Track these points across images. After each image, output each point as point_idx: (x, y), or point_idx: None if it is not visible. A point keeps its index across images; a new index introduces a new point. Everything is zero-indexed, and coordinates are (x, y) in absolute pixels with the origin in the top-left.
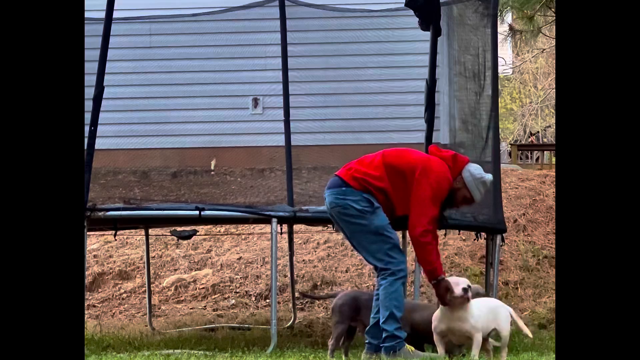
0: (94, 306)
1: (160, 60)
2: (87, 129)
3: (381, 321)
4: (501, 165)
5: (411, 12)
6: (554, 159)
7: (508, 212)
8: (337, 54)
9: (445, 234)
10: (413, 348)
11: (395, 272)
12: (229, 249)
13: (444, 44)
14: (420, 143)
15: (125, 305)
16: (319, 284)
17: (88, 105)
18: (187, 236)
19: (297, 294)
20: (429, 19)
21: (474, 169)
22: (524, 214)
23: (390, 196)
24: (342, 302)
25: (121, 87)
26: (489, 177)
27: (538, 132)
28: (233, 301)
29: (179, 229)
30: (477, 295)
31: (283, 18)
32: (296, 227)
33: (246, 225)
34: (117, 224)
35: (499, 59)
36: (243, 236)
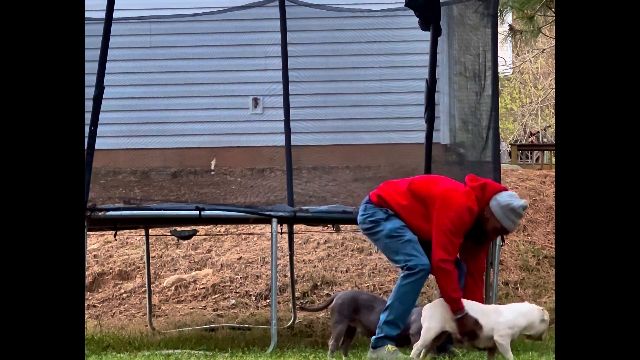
0: (94, 306)
1: (160, 60)
2: (87, 129)
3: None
4: (501, 165)
5: (411, 12)
6: (554, 159)
7: None
8: (337, 54)
9: None
10: (395, 349)
11: (411, 267)
12: (229, 249)
13: (444, 44)
14: (420, 143)
15: (125, 305)
16: (319, 284)
17: (88, 105)
18: (187, 236)
19: (299, 304)
20: (429, 19)
21: (501, 197)
22: None
23: (407, 219)
24: (341, 302)
25: (121, 87)
26: (519, 203)
27: (538, 132)
28: (233, 301)
29: (179, 229)
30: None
31: (283, 18)
32: (296, 227)
33: (246, 225)
34: (117, 224)
35: (499, 59)
36: (243, 236)
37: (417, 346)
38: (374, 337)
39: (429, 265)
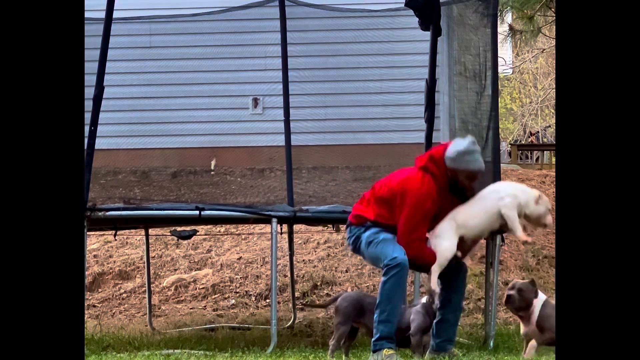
0: (94, 306)
1: (160, 60)
2: (87, 129)
3: None
4: (501, 165)
5: (411, 12)
6: (554, 159)
7: None
8: (337, 54)
9: None
10: (392, 352)
11: (389, 264)
12: (229, 249)
13: (444, 44)
14: (420, 143)
15: (125, 305)
16: (319, 284)
17: (88, 105)
18: (187, 236)
19: (300, 303)
20: (429, 19)
21: (448, 153)
22: None
23: (384, 224)
24: (347, 304)
25: (121, 87)
26: (464, 142)
27: (538, 132)
28: (233, 301)
29: (179, 229)
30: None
31: (283, 18)
32: (296, 227)
33: (246, 225)
34: (117, 224)
35: (499, 59)
36: (243, 236)
37: (434, 270)
38: (372, 340)
39: (406, 259)
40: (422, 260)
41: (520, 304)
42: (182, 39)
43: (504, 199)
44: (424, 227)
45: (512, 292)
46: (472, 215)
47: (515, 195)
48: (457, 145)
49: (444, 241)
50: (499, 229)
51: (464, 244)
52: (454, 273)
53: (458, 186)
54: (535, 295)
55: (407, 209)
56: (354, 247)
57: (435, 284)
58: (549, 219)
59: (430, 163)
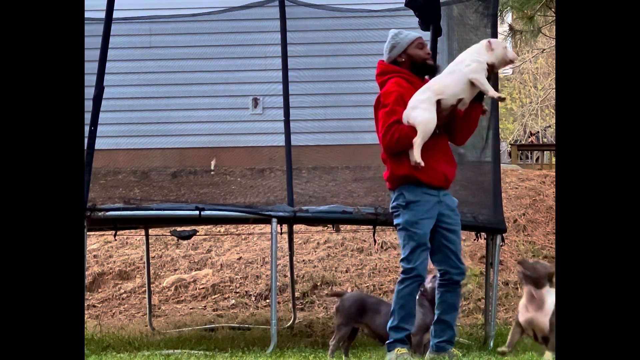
0: (94, 306)
1: (160, 60)
2: (87, 129)
3: None
4: (501, 165)
5: (411, 12)
6: (554, 159)
7: (508, 212)
8: (337, 54)
9: None
10: (404, 351)
11: (407, 271)
12: (229, 249)
13: (444, 44)
14: None
15: (125, 305)
16: (319, 284)
17: (88, 105)
18: (187, 236)
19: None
20: (429, 19)
21: (385, 52)
22: (524, 214)
23: (405, 162)
24: (349, 304)
25: (121, 87)
26: (388, 36)
27: (538, 132)
28: (233, 301)
29: (179, 229)
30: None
31: (283, 18)
32: (296, 227)
33: (246, 225)
34: (117, 224)
35: None
36: (243, 236)
37: (417, 143)
38: (386, 342)
39: (423, 275)
40: (406, 140)
41: (531, 272)
42: (182, 39)
43: (469, 65)
44: (400, 110)
45: (529, 259)
46: (446, 86)
47: (478, 60)
48: (385, 43)
49: (422, 112)
50: (477, 98)
51: (439, 114)
52: (451, 275)
53: (420, 64)
54: (550, 282)
55: (382, 104)
56: (393, 214)
57: (419, 157)
58: (511, 53)
59: (381, 77)
